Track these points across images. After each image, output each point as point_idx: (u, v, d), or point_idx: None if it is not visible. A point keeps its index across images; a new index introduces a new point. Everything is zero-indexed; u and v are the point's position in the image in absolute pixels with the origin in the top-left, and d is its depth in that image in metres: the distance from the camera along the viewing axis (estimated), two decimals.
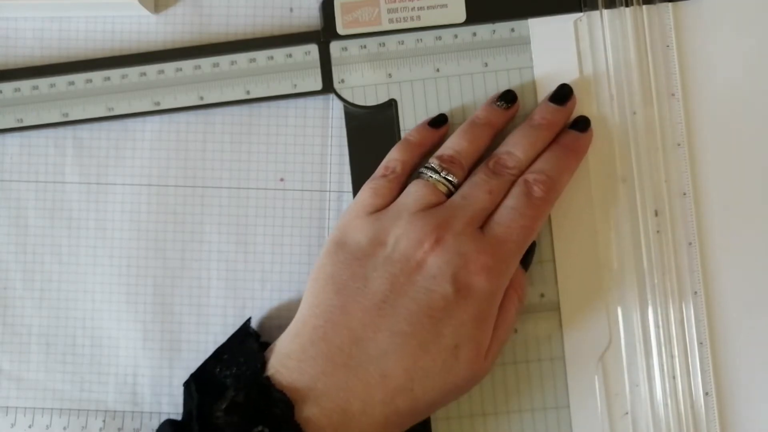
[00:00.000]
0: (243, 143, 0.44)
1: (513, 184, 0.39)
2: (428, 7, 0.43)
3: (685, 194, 0.42)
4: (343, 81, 0.43)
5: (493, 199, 0.38)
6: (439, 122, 0.42)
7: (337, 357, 0.37)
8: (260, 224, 0.43)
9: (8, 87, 0.43)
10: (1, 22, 0.44)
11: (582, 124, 0.41)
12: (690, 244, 0.42)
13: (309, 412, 0.36)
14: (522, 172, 0.39)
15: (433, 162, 0.40)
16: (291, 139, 0.44)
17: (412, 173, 0.41)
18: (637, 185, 0.42)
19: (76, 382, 0.43)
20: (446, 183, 0.39)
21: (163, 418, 0.43)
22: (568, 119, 0.42)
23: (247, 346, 0.40)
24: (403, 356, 0.36)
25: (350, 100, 0.43)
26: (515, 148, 0.40)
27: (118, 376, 0.43)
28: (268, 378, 0.37)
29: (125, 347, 0.43)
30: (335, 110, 0.44)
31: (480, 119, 0.41)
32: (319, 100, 0.44)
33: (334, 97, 0.43)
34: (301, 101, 0.44)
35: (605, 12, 0.43)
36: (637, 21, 0.43)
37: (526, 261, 0.40)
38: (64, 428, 0.43)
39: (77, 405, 0.43)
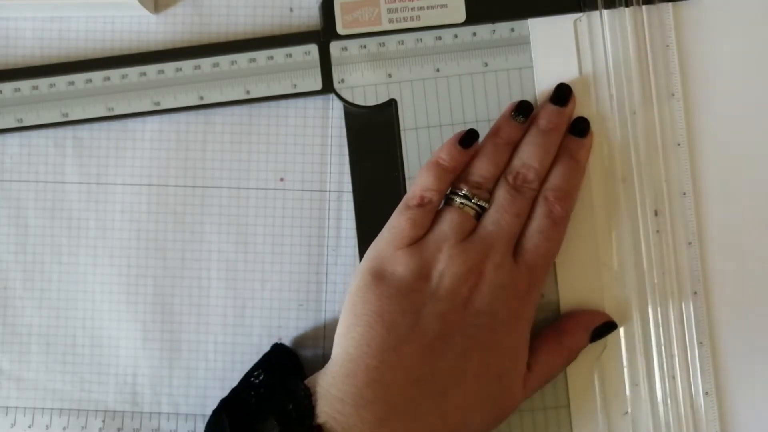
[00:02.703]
0: (243, 143, 0.44)
1: (534, 198, 0.39)
2: (428, 7, 0.43)
3: (684, 194, 0.42)
4: (343, 81, 0.43)
5: (520, 222, 0.39)
6: (470, 141, 0.40)
7: (396, 400, 0.35)
8: (260, 224, 0.43)
9: (8, 87, 0.43)
10: (1, 22, 0.44)
11: (582, 127, 0.41)
12: (690, 243, 0.42)
13: None
14: (541, 183, 0.40)
15: (464, 188, 0.39)
16: (291, 139, 0.44)
17: None
18: (636, 185, 0.42)
19: (76, 382, 0.43)
20: (478, 209, 0.39)
21: (163, 418, 0.43)
22: (570, 119, 0.42)
23: (290, 383, 0.37)
24: (460, 393, 0.36)
25: (350, 100, 0.43)
26: (532, 159, 0.40)
27: (117, 376, 0.43)
28: (320, 427, 0.35)
29: (125, 347, 0.43)
30: (335, 110, 0.44)
31: (501, 139, 0.40)
32: (319, 100, 0.44)
33: (334, 97, 0.43)
34: (301, 101, 0.44)
35: (605, 12, 0.43)
36: (637, 21, 0.42)
37: (595, 337, 0.41)
38: (64, 428, 0.43)
39: (77, 405, 0.43)
